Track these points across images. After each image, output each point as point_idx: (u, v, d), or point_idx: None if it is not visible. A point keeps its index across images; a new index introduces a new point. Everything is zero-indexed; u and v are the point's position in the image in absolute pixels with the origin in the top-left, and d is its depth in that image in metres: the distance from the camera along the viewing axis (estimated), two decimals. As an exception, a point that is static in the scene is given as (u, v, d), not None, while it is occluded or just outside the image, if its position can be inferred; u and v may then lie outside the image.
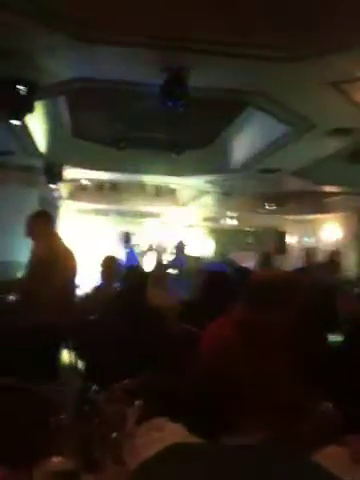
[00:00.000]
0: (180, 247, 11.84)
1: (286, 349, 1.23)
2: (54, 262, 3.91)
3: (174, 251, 12.13)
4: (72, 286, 4.38)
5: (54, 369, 2.69)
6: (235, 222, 13.36)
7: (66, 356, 4.51)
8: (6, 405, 1.41)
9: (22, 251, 5.02)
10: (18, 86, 4.21)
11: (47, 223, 4.29)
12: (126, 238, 12.90)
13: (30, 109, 4.42)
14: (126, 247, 12.17)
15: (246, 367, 1.15)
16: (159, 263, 8.18)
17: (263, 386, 1.15)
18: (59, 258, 3.99)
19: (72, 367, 4.10)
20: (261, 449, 0.92)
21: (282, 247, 13.54)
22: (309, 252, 11.80)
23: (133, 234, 13.38)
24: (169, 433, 1.16)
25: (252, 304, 1.30)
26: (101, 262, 4.97)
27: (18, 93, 4.24)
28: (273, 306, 1.31)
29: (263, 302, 1.31)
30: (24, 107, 4.36)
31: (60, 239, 4.31)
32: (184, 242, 12.41)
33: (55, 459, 1.26)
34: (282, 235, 14.00)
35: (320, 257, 10.00)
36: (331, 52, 3.59)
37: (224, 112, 6.23)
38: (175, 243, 12.51)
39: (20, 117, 4.55)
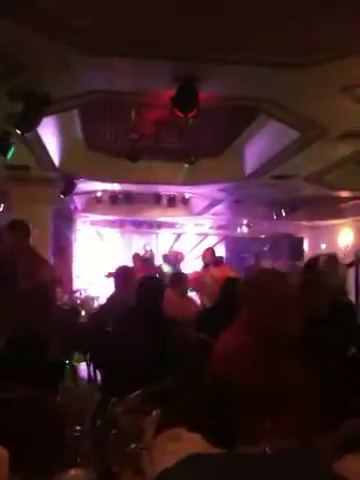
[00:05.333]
0: (166, 258, 11.63)
1: (302, 355, 1.21)
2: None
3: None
4: (42, 294, 4.18)
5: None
6: (250, 229, 13.31)
7: (84, 367, 4.51)
8: (22, 416, 1.41)
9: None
10: (31, 99, 4.27)
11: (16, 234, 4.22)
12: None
13: (41, 122, 4.47)
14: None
15: (261, 375, 1.14)
16: (178, 271, 8.17)
17: (280, 393, 1.13)
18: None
19: (90, 378, 4.11)
20: (278, 458, 0.90)
21: (299, 254, 13.40)
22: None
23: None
24: (186, 443, 1.15)
25: (261, 310, 1.29)
26: (115, 272, 4.97)
27: (31, 106, 4.29)
28: (283, 312, 1.30)
29: (271, 308, 1.30)
30: (36, 120, 4.41)
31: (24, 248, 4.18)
32: (174, 254, 12.14)
33: (73, 471, 1.26)
34: (300, 241, 13.87)
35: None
36: (341, 57, 3.58)
37: (236, 120, 6.24)
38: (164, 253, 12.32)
39: (32, 129, 4.58)
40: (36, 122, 4.42)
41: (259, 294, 1.29)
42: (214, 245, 14.74)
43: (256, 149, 7.00)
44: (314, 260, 6.44)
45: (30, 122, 4.41)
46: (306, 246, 13.84)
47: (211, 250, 8.79)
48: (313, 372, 1.19)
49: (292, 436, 1.00)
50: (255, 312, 1.24)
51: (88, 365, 4.51)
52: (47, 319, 3.88)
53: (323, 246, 12.77)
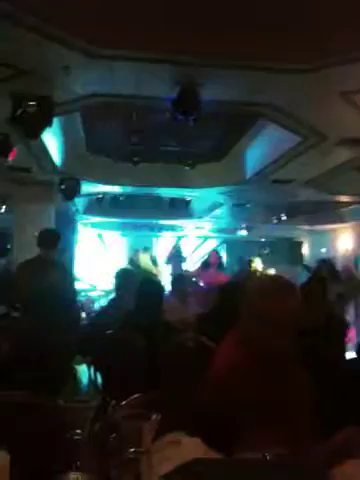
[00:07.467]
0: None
1: (298, 365, 1.23)
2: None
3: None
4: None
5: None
6: (249, 233, 13.32)
7: (85, 371, 4.50)
8: (23, 420, 1.42)
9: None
10: (34, 103, 4.28)
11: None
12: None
13: (46, 126, 4.48)
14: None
15: (258, 387, 1.16)
16: (179, 274, 8.22)
17: (277, 404, 1.15)
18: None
19: (91, 382, 4.10)
20: (277, 464, 0.92)
21: (298, 258, 13.41)
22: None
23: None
24: (185, 448, 1.16)
25: (254, 329, 1.31)
26: (115, 275, 4.97)
27: (34, 110, 4.30)
28: (275, 329, 1.32)
29: (264, 327, 1.31)
30: (40, 124, 4.42)
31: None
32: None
33: (72, 475, 1.27)
34: (299, 245, 13.88)
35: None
36: (341, 63, 3.60)
37: (236, 124, 6.26)
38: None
39: (37, 134, 4.59)
40: (43, 126, 4.43)
41: (252, 312, 1.29)
42: (215, 248, 14.76)
43: (256, 153, 7.02)
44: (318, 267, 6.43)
45: (38, 126, 4.42)
46: (306, 250, 13.84)
47: (216, 253, 9.39)
48: (309, 382, 1.21)
49: (289, 444, 1.02)
50: (248, 329, 1.24)
51: (88, 368, 4.51)
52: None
53: (323, 250, 12.78)
